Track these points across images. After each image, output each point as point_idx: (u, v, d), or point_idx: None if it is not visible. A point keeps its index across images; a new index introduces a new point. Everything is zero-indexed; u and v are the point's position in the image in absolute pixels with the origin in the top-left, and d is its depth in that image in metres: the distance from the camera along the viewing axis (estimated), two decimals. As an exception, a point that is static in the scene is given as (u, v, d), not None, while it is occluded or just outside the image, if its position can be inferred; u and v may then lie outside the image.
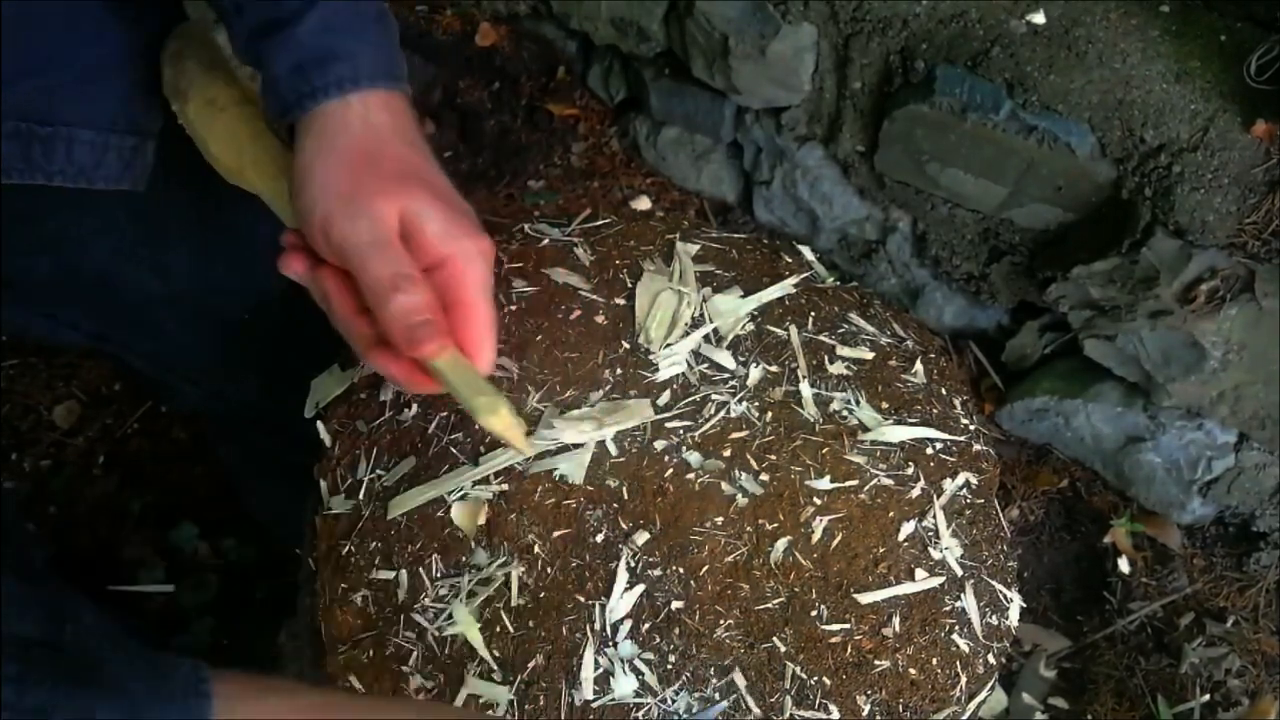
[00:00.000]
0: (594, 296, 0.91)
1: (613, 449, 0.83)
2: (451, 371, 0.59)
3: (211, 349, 0.91)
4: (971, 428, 0.90)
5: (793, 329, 0.91)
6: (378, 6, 0.62)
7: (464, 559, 0.79)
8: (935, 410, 0.89)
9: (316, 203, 0.56)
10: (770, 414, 0.85)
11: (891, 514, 0.82)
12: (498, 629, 0.76)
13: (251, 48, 0.60)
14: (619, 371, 0.87)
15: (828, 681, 0.75)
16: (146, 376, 0.97)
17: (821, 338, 0.91)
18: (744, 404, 0.86)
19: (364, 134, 0.57)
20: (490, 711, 0.75)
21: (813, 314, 0.93)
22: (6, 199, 0.66)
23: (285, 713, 0.43)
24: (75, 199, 0.68)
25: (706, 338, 0.90)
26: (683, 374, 0.87)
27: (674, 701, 0.74)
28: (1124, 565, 1.06)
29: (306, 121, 0.58)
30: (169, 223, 0.78)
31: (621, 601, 0.77)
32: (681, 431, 0.84)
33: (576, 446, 0.83)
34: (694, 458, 0.83)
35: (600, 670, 0.75)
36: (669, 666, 0.75)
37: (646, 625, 0.76)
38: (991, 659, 0.80)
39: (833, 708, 0.75)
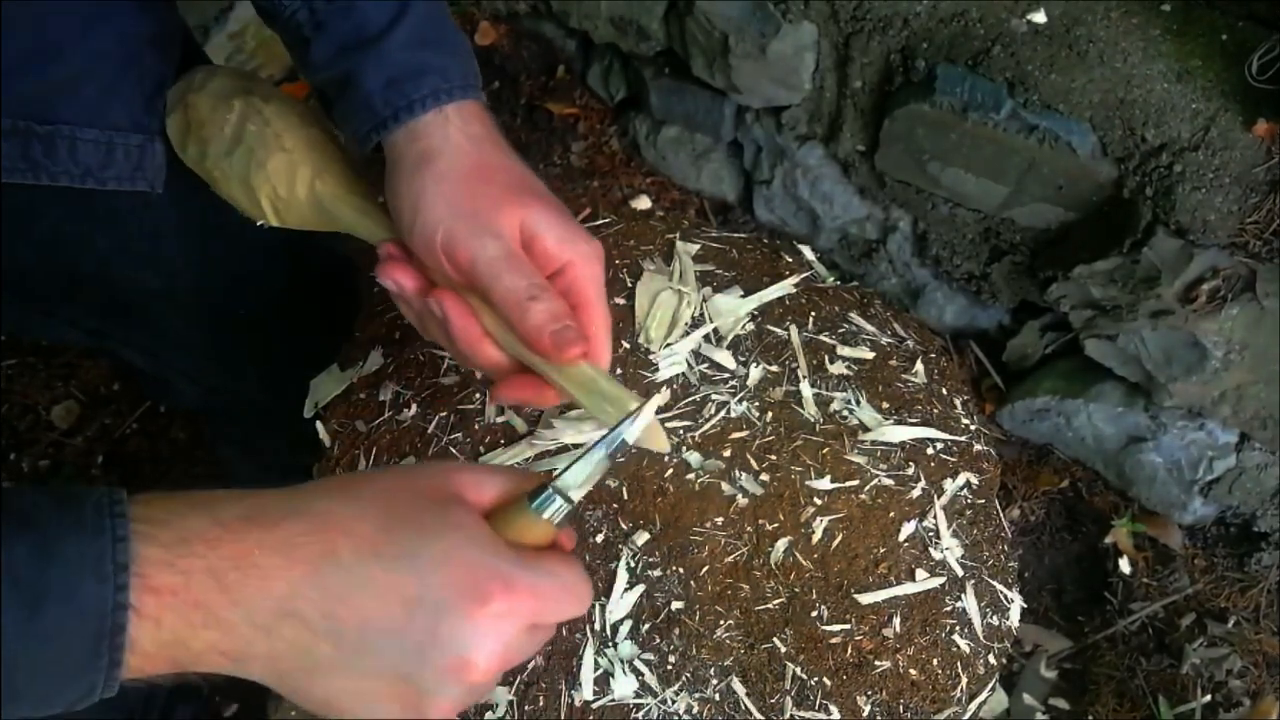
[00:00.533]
0: (594, 296, 0.91)
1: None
2: (587, 378, 0.59)
3: (210, 345, 0.91)
4: (972, 428, 0.90)
5: (793, 329, 0.91)
6: (453, 21, 0.63)
7: (463, 559, 0.78)
8: (936, 410, 0.89)
9: (439, 224, 0.56)
10: (770, 414, 0.85)
11: (892, 514, 0.82)
12: (497, 630, 0.76)
13: (336, 65, 0.60)
14: (619, 371, 0.87)
15: (828, 682, 0.75)
16: (145, 374, 0.97)
17: (822, 337, 0.91)
18: (744, 404, 0.86)
19: (471, 150, 0.58)
20: (489, 714, 0.74)
21: (813, 314, 0.93)
22: (3, 196, 0.66)
23: (208, 527, 0.42)
24: (72, 195, 0.68)
25: (707, 337, 0.89)
26: (683, 374, 0.87)
27: (674, 702, 0.74)
28: (1125, 566, 1.06)
29: (402, 138, 0.58)
30: (167, 218, 0.78)
31: (621, 602, 0.77)
32: (682, 431, 0.84)
33: (576, 446, 0.82)
34: (694, 458, 0.83)
35: (600, 671, 0.74)
36: (669, 667, 0.75)
37: (646, 626, 0.76)
38: (992, 659, 0.80)
39: (833, 708, 0.74)
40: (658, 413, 0.72)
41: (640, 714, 0.74)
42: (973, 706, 0.78)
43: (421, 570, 0.44)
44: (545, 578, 0.47)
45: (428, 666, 0.44)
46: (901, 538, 0.81)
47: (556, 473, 0.50)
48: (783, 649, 0.76)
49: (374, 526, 0.45)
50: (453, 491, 0.48)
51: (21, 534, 0.39)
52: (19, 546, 0.38)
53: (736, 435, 0.84)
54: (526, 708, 0.74)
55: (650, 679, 0.74)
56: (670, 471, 0.82)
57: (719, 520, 0.80)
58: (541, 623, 0.48)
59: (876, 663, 0.76)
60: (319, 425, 0.86)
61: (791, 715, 0.74)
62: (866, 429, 0.85)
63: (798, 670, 0.75)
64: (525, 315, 0.56)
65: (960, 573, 0.81)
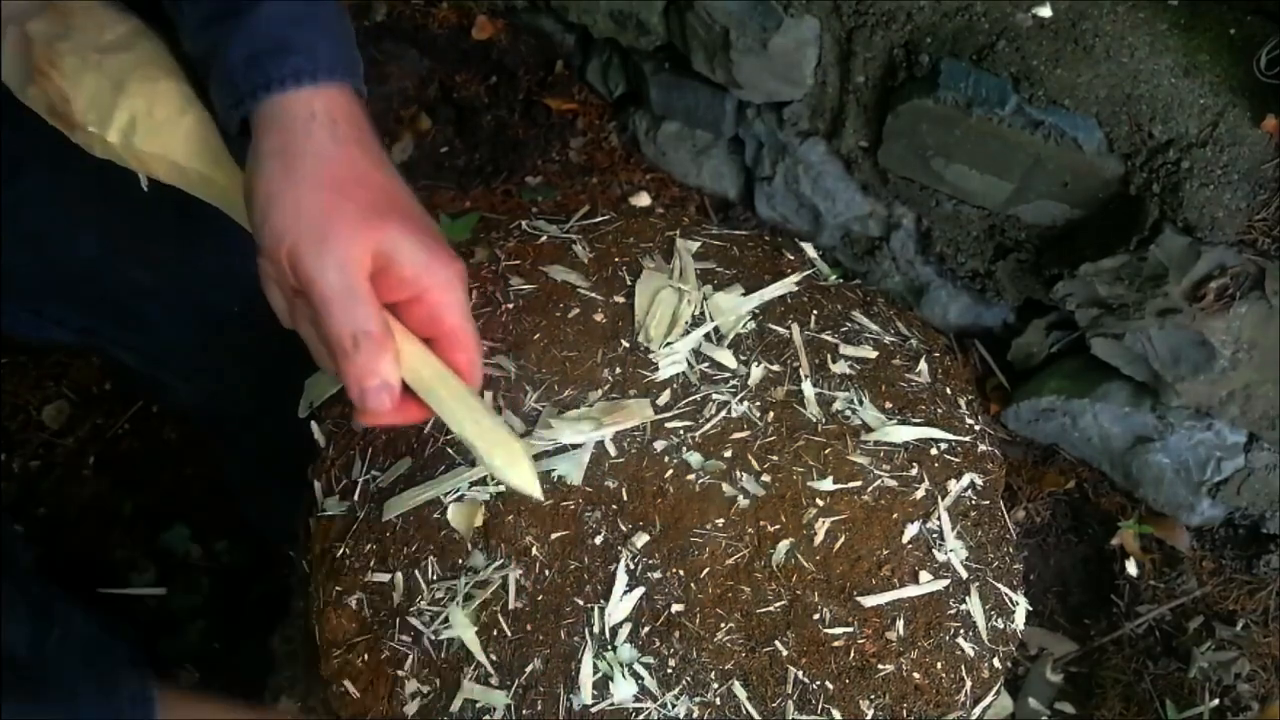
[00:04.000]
0: (593, 294, 0.91)
1: (612, 449, 0.82)
2: (455, 410, 0.59)
3: (201, 343, 0.90)
4: (977, 428, 0.89)
5: (795, 327, 0.91)
6: (334, 5, 0.60)
7: (461, 561, 0.78)
8: (940, 410, 0.89)
9: (285, 233, 0.53)
10: (772, 414, 0.85)
11: (895, 515, 0.81)
12: (495, 632, 0.76)
13: (203, 35, 0.58)
14: (618, 371, 0.86)
15: (830, 686, 0.75)
16: (137, 373, 0.96)
17: (824, 336, 0.91)
18: (745, 404, 0.85)
19: (334, 156, 0.55)
20: (486, 717, 0.74)
21: (815, 312, 0.93)
22: None
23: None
24: (59, 191, 0.67)
25: (707, 336, 0.89)
26: (683, 373, 0.87)
27: (674, 706, 0.73)
28: (1132, 568, 1.05)
29: (265, 124, 0.56)
30: (154, 214, 0.77)
31: (621, 604, 0.76)
32: (682, 432, 0.83)
33: (575, 447, 0.82)
34: (694, 458, 0.82)
35: (599, 674, 0.74)
36: (669, 670, 0.74)
37: (646, 629, 0.76)
38: (997, 663, 0.79)
39: (835, 712, 0.74)
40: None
41: (640, 718, 0.73)
42: (977, 711, 0.78)
43: None
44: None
45: None
46: (905, 539, 0.80)
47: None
48: (784, 652, 0.75)
49: None
50: None
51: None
52: None
53: (737, 435, 0.84)
54: (525, 712, 0.73)
55: (650, 683, 0.74)
56: (670, 472, 0.81)
57: (720, 522, 0.80)
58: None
59: (880, 666, 0.76)
60: (314, 425, 0.86)
61: (793, 719, 0.73)
62: (869, 429, 0.85)
63: (800, 674, 0.75)
64: (343, 362, 0.54)
65: (964, 575, 0.80)
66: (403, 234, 0.55)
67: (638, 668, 0.74)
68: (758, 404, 0.85)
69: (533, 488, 0.59)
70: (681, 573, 0.78)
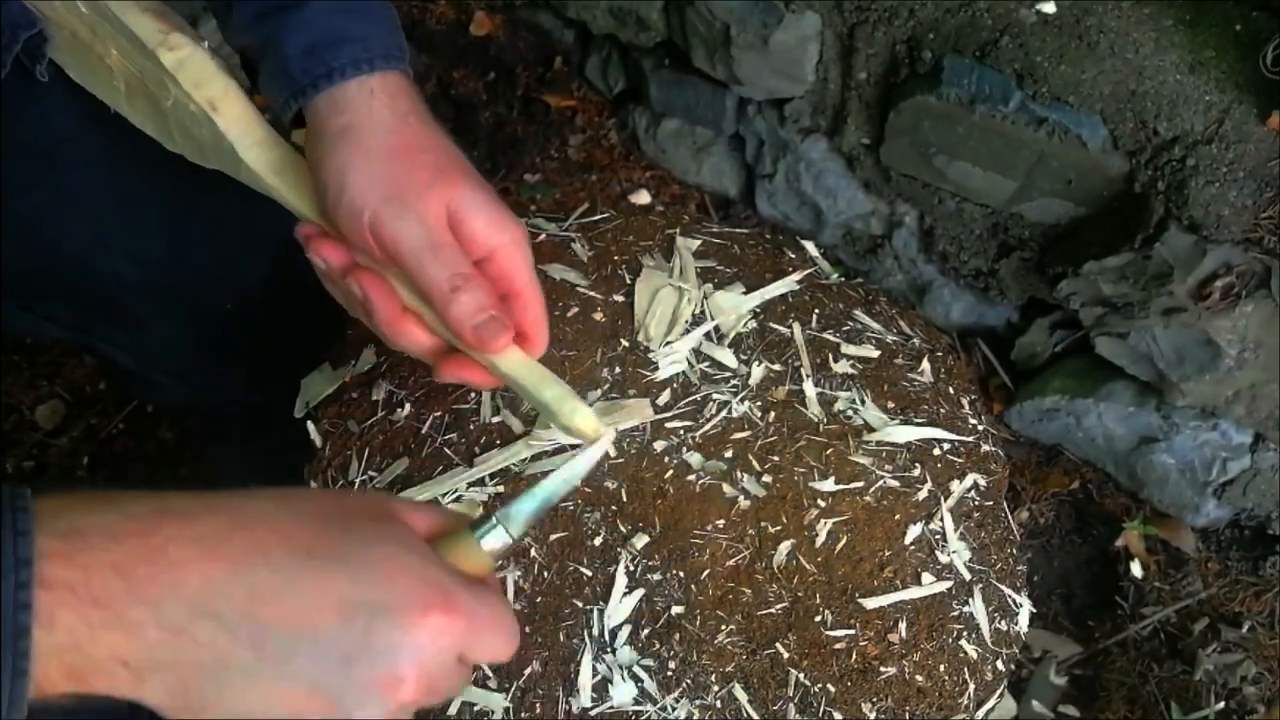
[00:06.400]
0: (592, 293, 0.90)
1: (611, 450, 0.82)
2: (517, 367, 0.59)
3: (193, 340, 0.89)
4: (980, 428, 0.89)
5: (796, 326, 0.90)
6: None
7: (457, 563, 0.77)
8: (942, 410, 0.88)
9: (365, 204, 0.55)
10: (773, 414, 0.84)
11: (898, 516, 0.81)
12: (492, 635, 0.75)
13: (257, 30, 0.59)
14: (618, 370, 0.86)
15: (832, 689, 0.74)
16: (130, 372, 0.95)
17: (826, 335, 0.90)
18: (746, 404, 0.85)
19: (396, 126, 0.57)
20: (484, 721, 0.73)
21: (817, 311, 0.92)
22: None
23: (113, 521, 0.39)
24: (48, 183, 0.66)
25: (707, 335, 0.88)
26: (683, 373, 0.86)
27: (674, 709, 0.73)
28: (1136, 569, 1.05)
29: (323, 108, 0.57)
30: (145, 209, 0.77)
31: (620, 606, 0.75)
32: (682, 432, 0.83)
33: (574, 447, 0.81)
34: (695, 459, 0.82)
35: (598, 677, 0.73)
36: (669, 673, 0.74)
37: (646, 631, 0.75)
38: (1000, 665, 0.79)
39: (837, 715, 0.73)
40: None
41: (639, 722, 0.72)
42: (980, 714, 0.78)
43: (359, 574, 0.41)
44: (482, 605, 0.44)
45: (354, 679, 0.41)
46: (907, 540, 0.80)
47: (502, 508, 0.50)
48: (785, 655, 0.75)
49: (308, 528, 0.42)
50: (389, 512, 0.46)
51: None
52: None
53: (738, 436, 0.83)
54: (523, 715, 0.73)
55: (650, 685, 0.73)
56: (670, 473, 0.81)
57: (720, 523, 0.79)
58: (469, 656, 0.45)
59: (882, 669, 0.75)
60: (310, 425, 0.85)
61: (794, 723, 0.73)
62: (871, 429, 0.84)
63: (801, 676, 0.74)
64: (449, 306, 0.55)
65: (968, 576, 0.80)
66: (473, 191, 0.56)
67: (637, 670, 0.74)
68: (758, 404, 0.85)
69: (603, 431, 0.58)
70: (682, 574, 0.77)
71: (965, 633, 0.78)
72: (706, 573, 0.77)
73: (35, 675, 0.37)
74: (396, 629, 0.41)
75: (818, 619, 0.76)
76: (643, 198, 1.28)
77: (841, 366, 0.88)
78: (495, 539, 0.48)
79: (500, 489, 0.80)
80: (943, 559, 0.80)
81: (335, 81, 0.56)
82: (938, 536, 0.81)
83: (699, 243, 0.96)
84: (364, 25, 0.58)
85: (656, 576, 0.77)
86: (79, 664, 0.37)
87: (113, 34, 0.62)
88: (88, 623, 0.37)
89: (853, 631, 0.76)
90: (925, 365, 0.91)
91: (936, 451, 0.85)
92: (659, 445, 0.82)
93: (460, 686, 0.46)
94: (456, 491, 0.80)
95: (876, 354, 0.90)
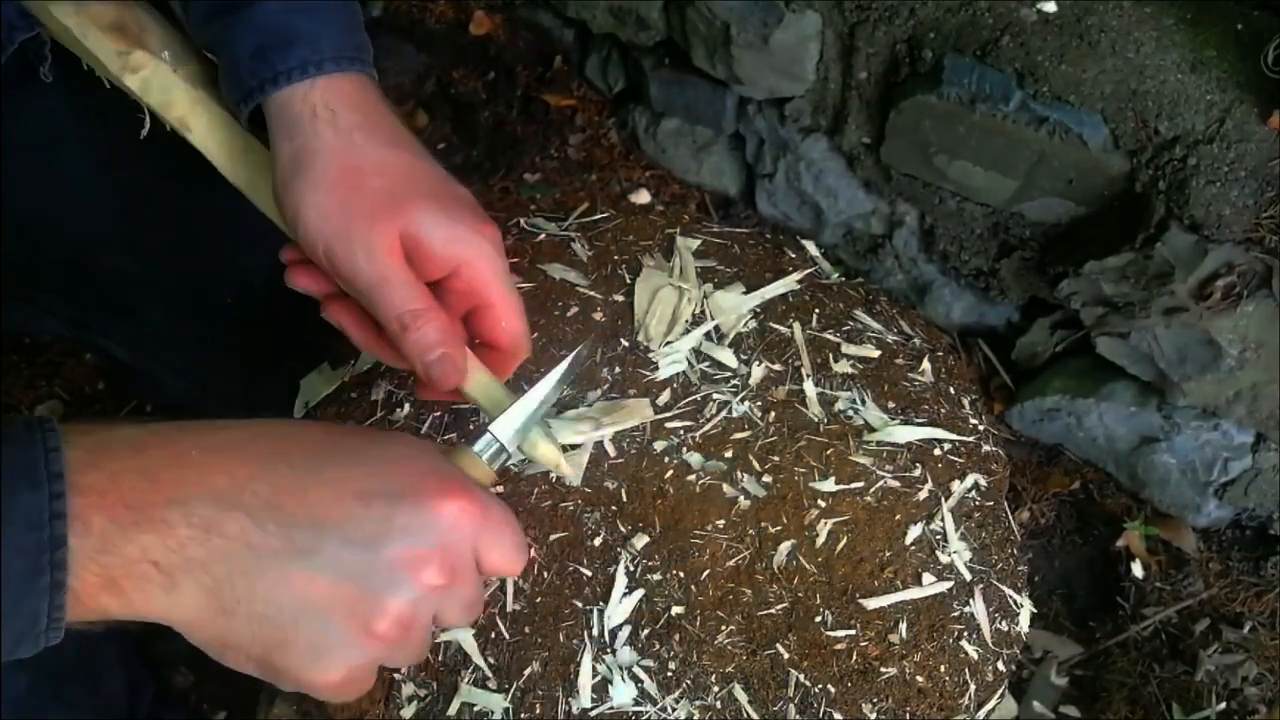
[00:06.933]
0: (592, 293, 0.90)
1: (611, 450, 0.81)
2: (480, 392, 0.59)
3: (193, 335, 0.89)
4: (980, 428, 0.89)
5: (796, 326, 0.90)
6: None
7: (457, 563, 0.77)
8: (943, 410, 0.88)
9: (317, 240, 0.54)
10: (773, 414, 0.84)
11: (898, 516, 0.80)
12: (493, 635, 0.75)
13: (209, 28, 0.58)
14: (617, 370, 0.85)
15: (832, 689, 0.74)
16: (129, 368, 0.95)
17: (826, 335, 0.90)
18: (746, 403, 0.84)
19: (340, 149, 0.55)
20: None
21: (817, 311, 0.92)
22: None
23: (135, 433, 0.41)
24: (50, 175, 0.66)
25: (708, 335, 0.88)
26: (683, 373, 0.86)
27: (674, 710, 0.73)
28: (1138, 569, 1.04)
29: (275, 118, 0.56)
30: (147, 203, 0.77)
31: (620, 607, 0.76)
32: (682, 432, 0.83)
33: (574, 447, 0.81)
34: (695, 459, 0.81)
35: (598, 678, 0.73)
36: (669, 674, 0.74)
37: (646, 631, 0.75)
38: (1001, 666, 0.78)
39: (837, 716, 0.73)
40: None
41: (638, 723, 0.72)
42: (981, 714, 0.77)
43: (376, 467, 0.44)
44: (496, 503, 0.47)
45: (380, 561, 0.42)
46: (908, 541, 0.80)
47: (491, 421, 0.54)
48: (786, 655, 0.74)
49: (324, 436, 0.44)
50: (395, 431, 0.49)
51: None
52: None
53: (738, 436, 0.83)
54: (523, 715, 0.73)
55: (650, 686, 0.73)
56: (670, 473, 0.81)
57: (720, 523, 0.79)
58: (484, 556, 0.46)
59: (882, 669, 0.75)
60: (309, 425, 0.85)
61: (795, 724, 0.73)
62: (872, 429, 0.84)
63: (801, 677, 0.74)
64: (401, 344, 0.55)
65: (968, 577, 0.80)
66: (425, 212, 0.55)
67: (637, 671, 0.74)
68: (759, 404, 0.84)
69: (564, 466, 0.61)
70: (682, 574, 0.77)
71: (966, 633, 0.77)
72: (707, 573, 0.77)
73: (74, 586, 0.38)
74: (418, 510, 0.43)
75: (818, 619, 0.76)
76: (643, 197, 1.28)
77: (842, 366, 0.88)
78: (491, 452, 0.53)
79: (500, 489, 0.79)
80: (943, 559, 0.80)
81: (282, 86, 0.55)
82: (938, 537, 0.80)
83: (699, 242, 0.95)
84: (316, 25, 0.56)
85: (656, 577, 0.77)
86: (114, 568, 0.38)
87: (83, 51, 0.61)
88: (119, 524, 0.38)
89: (853, 632, 0.76)
90: (926, 365, 0.91)
91: (937, 451, 0.85)
92: (659, 445, 0.82)
93: (477, 595, 0.47)
94: (456, 492, 0.79)
95: (877, 354, 0.90)
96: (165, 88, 0.60)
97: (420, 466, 0.45)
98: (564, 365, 0.57)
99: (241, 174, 0.61)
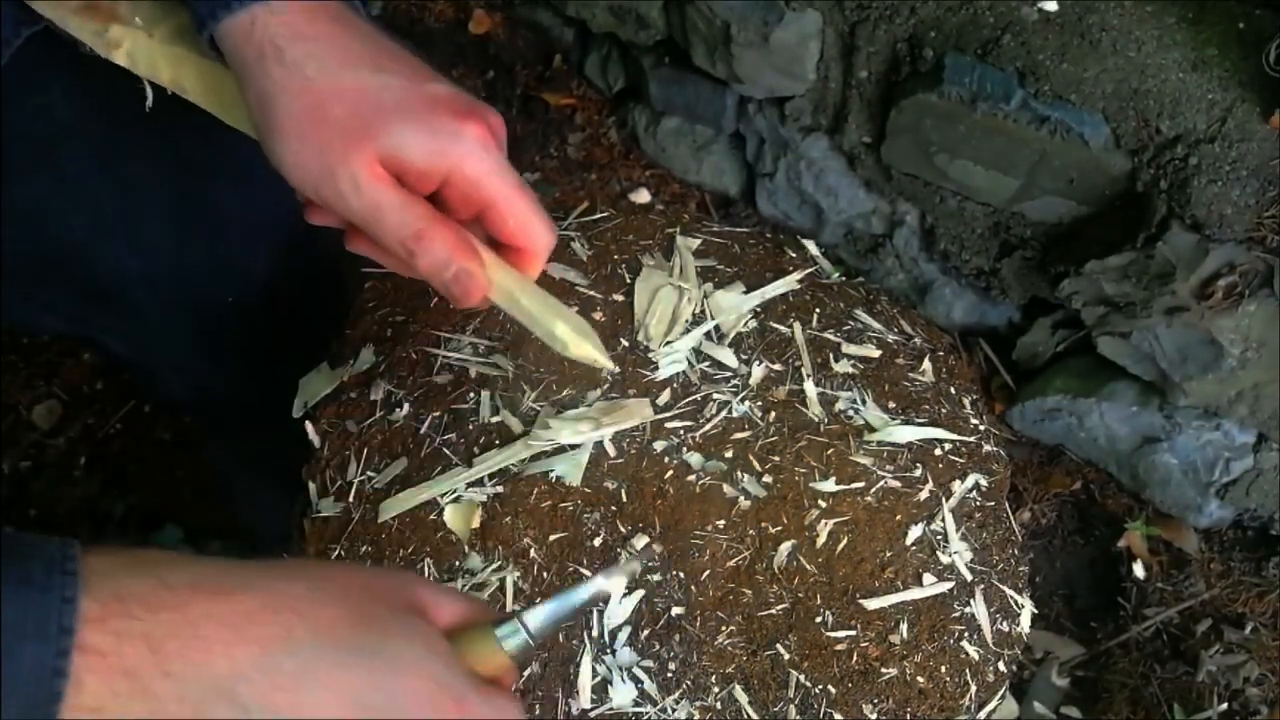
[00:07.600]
0: (592, 292, 0.90)
1: (611, 450, 0.81)
2: (517, 299, 0.57)
3: (194, 333, 0.89)
4: (981, 428, 0.88)
5: (797, 326, 0.90)
6: None
7: (457, 563, 0.77)
8: (944, 410, 0.87)
9: (304, 185, 0.53)
10: (773, 414, 0.84)
11: (899, 517, 0.80)
12: (491, 636, 0.74)
13: None
14: (616, 370, 0.85)
15: (833, 690, 0.74)
16: (129, 365, 0.95)
17: (826, 335, 0.90)
18: (746, 403, 0.84)
19: (295, 88, 0.52)
20: None
21: (817, 310, 0.92)
22: None
23: (151, 589, 0.40)
24: (51, 169, 0.66)
25: (708, 335, 0.88)
26: (683, 372, 0.86)
27: (674, 710, 0.72)
28: (1139, 570, 1.04)
29: (230, 57, 0.54)
30: (148, 198, 0.76)
31: (620, 607, 0.75)
32: (682, 432, 0.82)
33: (574, 447, 0.81)
34: (695, 459, 0.81)
35: (598, 678, 0.73)
36: (669, 674, 0.73)
37: (646, 632, 0.75)
38: (1002, 667, 0.78)
39: (838, 717, 0.73)
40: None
41: (638, 724, 0.72)
42: (982, 715, 0.77)
43: (380, 671, 0.42)
44: (495, 712, 0.45)
45: None
46: (908, 541, 0.79)
47: (525, 609, 0.50)
48: (786, 656, 0.74)
49: (336, 616, 0.43)
50: (416, 603, 0.46)
51: None
52: None
53: (738, 436, 0.82)
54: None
55: (650, 687, 0.73)
56: (670, 473, 0.80)
57: (720, 523, 0.79)
58: None
59: (883, 670, 0.75)
60: (308, 425, 0.85)
61: (795, 725, 0.72)
62: (872, 429, 0.84)
63: (801, 678, 0.74)
64: (415, 270, 0.54)
65: (969, 577, 0.79)
66: (396, 129, 0.52)
67: (637, 671, 0.73)
68: (759, 404, 0.84)
69: (602, 359, 0.59)
70: (682, 575, 0.77)
71: (967, 634, 0.77)
72: (707, 573, 0.77)
73: None
74: None
75: (818, 620, 0.76)
76: (642, 197, 1.28)
77: (842, 366, 0.88)
78: (515, 640, 0.49)
79: (499, 489, 0.79)
80: (944, 560, 0.79)
81: (221, 18, 0.52)
82: (939, 537, 0.80)
83: (699, 242, 0.95)
84: None
85: (656, 577, 0.76)
86: None
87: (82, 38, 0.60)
88: (113, 690, 0.38)
89: (854, 632, 0.75)
90: (926, 365, 0.91)
91: (938, 452, 0.85)
92: (659, 445, 0.82)
93: None
94: (455, 492, 0.79)
95: (877, 354, 0.90)
96: (148, 55, 0.58)
97: (422, 675, 0.43)
98: (617, 568, 0.53)
99: (244, 118, 0.59)
